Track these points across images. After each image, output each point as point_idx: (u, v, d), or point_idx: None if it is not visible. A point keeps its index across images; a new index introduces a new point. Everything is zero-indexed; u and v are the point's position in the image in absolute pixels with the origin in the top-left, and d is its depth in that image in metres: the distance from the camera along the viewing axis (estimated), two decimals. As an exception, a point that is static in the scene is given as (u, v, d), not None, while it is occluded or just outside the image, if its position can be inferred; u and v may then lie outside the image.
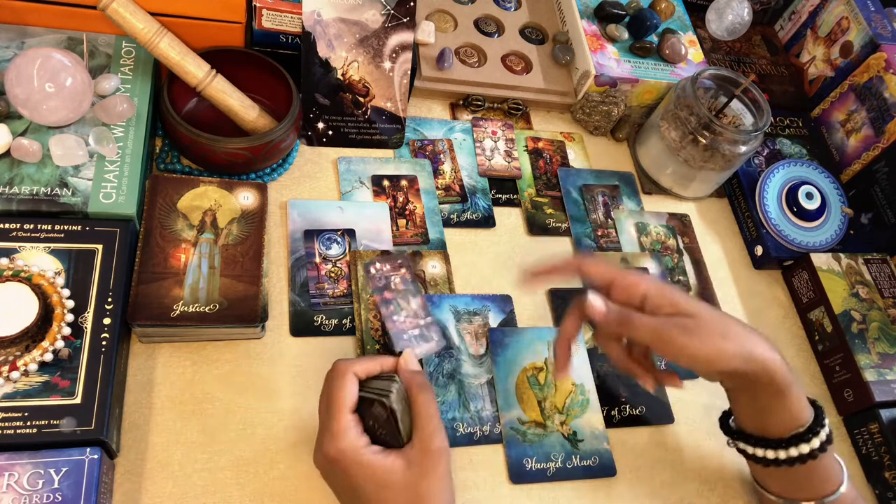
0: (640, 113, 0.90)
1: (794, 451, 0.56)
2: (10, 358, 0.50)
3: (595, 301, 0.56)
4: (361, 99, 0.75)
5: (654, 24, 0.87)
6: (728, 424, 0.63)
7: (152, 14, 0.62)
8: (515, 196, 0.80)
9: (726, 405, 0.67)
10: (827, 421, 0.57)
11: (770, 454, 0.57)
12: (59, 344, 0.52)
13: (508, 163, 0.82)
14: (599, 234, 0.80)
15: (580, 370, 0.69)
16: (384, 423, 0.51)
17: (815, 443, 0.56)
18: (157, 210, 0.61)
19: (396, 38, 0.73)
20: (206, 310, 0.58)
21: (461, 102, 0.85)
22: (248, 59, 0.70)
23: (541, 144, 0.85)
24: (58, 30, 0.65)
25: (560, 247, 0.79)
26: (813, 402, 0.58)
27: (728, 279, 0.83)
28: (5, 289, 0.52)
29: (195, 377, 0.60)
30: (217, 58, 0.67)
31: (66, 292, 0.53)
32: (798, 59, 1.02)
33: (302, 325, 0.65)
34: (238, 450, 0.58)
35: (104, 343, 0.53)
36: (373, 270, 0.58)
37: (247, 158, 0.66)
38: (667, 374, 0.60)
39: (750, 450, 0.59)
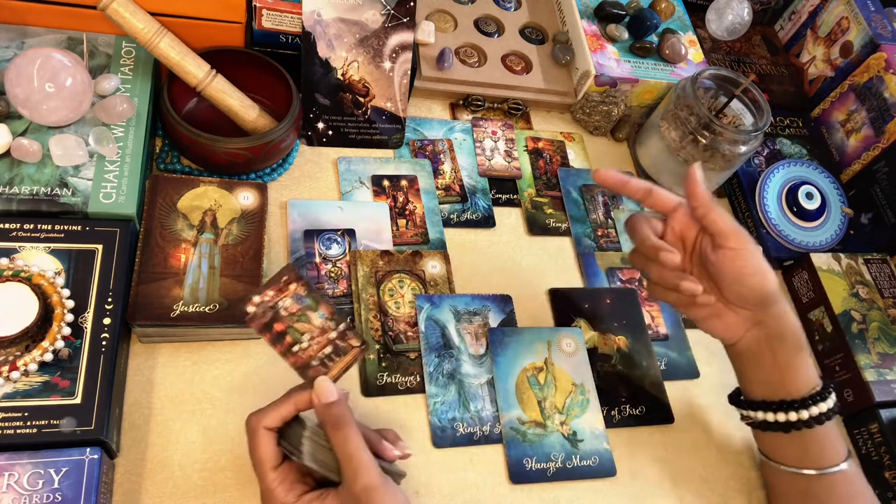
0: (640, 113, 0.90)
1: (815, 410, 0.57)
2: (10, 358, 0.50)
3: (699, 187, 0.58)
4: (361, 99, 0.75)
5: (654, 24, 0.87)
6: (740, 401, 0.63)
7: (152, 14, 0.62)
8: (515, 196, 0.80)
9: (726, 406, 0.67)
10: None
11: (793, 416, 0.58)
12: (59, 344, 0.52)
13: (508, 163, 0.82)
14: (599, 234, 0.80)
15: (580, 370, 0.69)
16: (312, 471, 0.50)
17: (831, 402, 0.58)
18: (157, 210, 0.61)
19: (396, 38, 0.73)
20: (206, 310, 0.58)
21: (461, 102, 0.85)
22: (248, 59, 0.70)
23: (541, 144, 0.85)
24: (58, 30, 0.65)
25: (560, 247, 0.79)
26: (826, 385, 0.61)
27: (728, 279, 0.83)
28: (5, 289, 0.52)
29: (195, 377, 0.60)
30: (217, 58, 0.67)
31: (66, 292, 0.53)
32: (798, 59, 1.02)
33: (302, 325, 0.65)
34: (238, 450, 0.58)
35: (104, 343, 0.53)
36: (251, 309, 0.46)
37: (247, 158, 0.66)
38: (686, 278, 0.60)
39: (771, 416, 0.59)
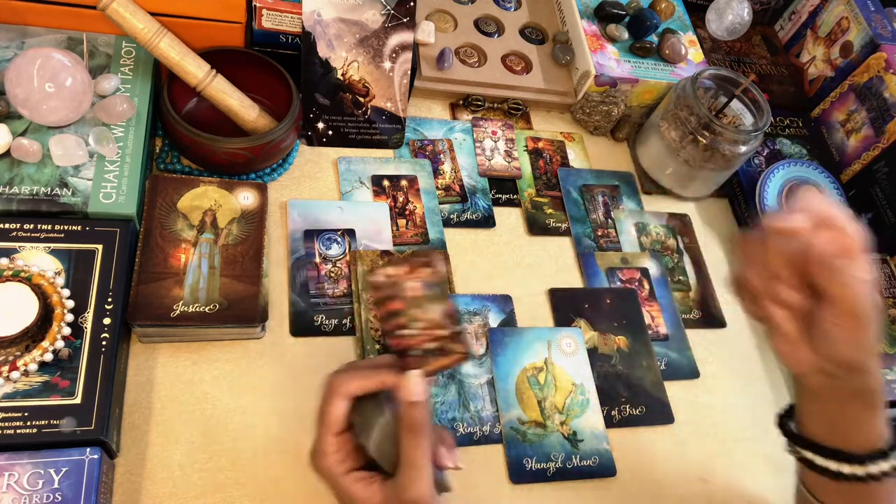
0: (640, 113, 0.90)
1: (873, 468, 0.50)
2: (10, 358, 0.50)
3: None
4: (361, 99, 0.75)
5: (654, 24, 0.87)
6: (790, 429, 0.55)
7: (152, 14, 0.62)
8: (515, 196, 0.80)
9: (726, 406, 0.66)
10: None
11: (846, 469, 0.51)
12: (59, 344, 0.52)
13: (508, 163, 0.82)
14: (599, 234, 0.80)
15: (580, 370, 0.69)
16: (370, 455, 0.49)
17: (894, 460, 0.51)
18: (157, 210, 0.61)
19: (396, 38, 0.73)
20: (206, 310, 0.58)
21: (461, 102, 0.85)
22: (248, 59, 0.70)
23: (541, 144, 0.85)
24: (58, 30, 0.65)
25: (560, 247, 0.79)
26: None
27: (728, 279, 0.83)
28: (5, 289, 0.52)
29: (195, 377, 0.60)
30: (217, 58, 0.67)
31: (66, 292, 0.53)
32: (798, 59, 1.02)
33: (302, 325, 0.65)
34: (238, 450, 0.58)
35: (104, 343, 0.53)
36: (381, 279, 0.45)
37: (247, 158, 0.66)
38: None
39: (820, 461, 0.52)
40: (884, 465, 0.50)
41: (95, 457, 0.49)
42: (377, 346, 0.65)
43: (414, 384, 0.47)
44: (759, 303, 0.49)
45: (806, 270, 0.47)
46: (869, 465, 0.50)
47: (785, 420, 0.56)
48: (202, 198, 0.63)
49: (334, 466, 0.48)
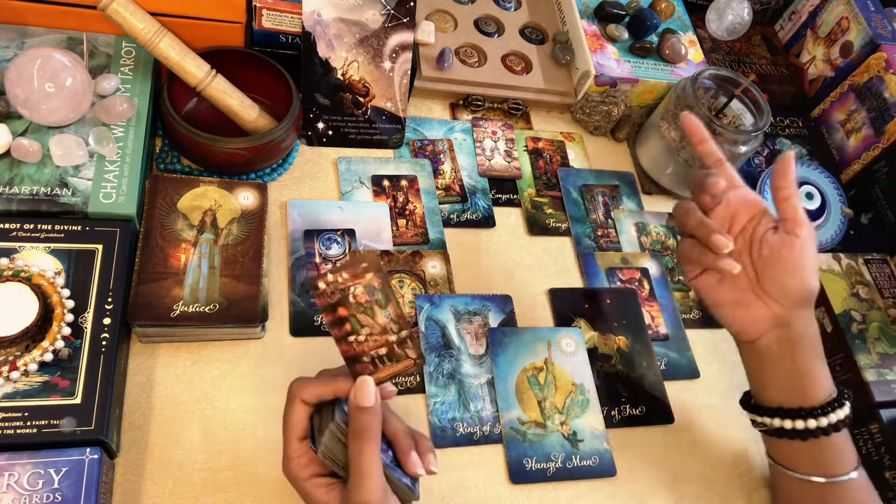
0: (640, 113, 0.90)
1: (833, 418, 0.56)
2: (10, 358, 0.50)
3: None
4: (361, 99, 0.75)
5: (654, 24, 0.87)
6: (754, 406, 0.62)
7: (152, 14, 0.62)
8: (515, 196, 0.80)
9: (726, 406, 0.66)
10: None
11: (812, 423, 0.57)
12: (59, 344, 0.52)
13: (508, 163, 0.82)
14: (599, 234, 0.80)
15: (580, 370, 0.69)
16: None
17: (847, 409, 0.57)
18: (157, 210, 0.61)
19: (396, 38, 0.73)
20: (206, 310, 0.58)
21: (461, 102, 0.85)
22: (248, 59, 0.70)
23: (541, 144, 0.85)
24: (58, 30, 0.65)
25: (560, 247, 0.79)
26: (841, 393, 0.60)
27: (728, 279, 0.83)
28: (5, 289, 0.52)
29: (195, 377, 0.60)
30: (217, 58, 0.67)
31: (66, 292, 0.53)
32: (798, 59, 1.02)
33: (302, 325, 0.65)
34: (238, 450, 0.58)
35: (104, 343, 0.53)
36: (322, 286, 0.44)
37: (247, 158, 0.66)
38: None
39: (789, 423, 0.58)
40: (840, 413, 0.57)
41: (95, 457, 0.49)
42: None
43: (362, 390, 0.46)
44: (706, 262, 0.58)
45: (739, 212, 0.59)
46: (830, 414, 0.57)
47: (746, 402, 0.63)
48: (202, 198, 0.63)
49: (298, 471, 0.48)
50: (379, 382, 0.47)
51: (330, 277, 0.44)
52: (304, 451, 0.49)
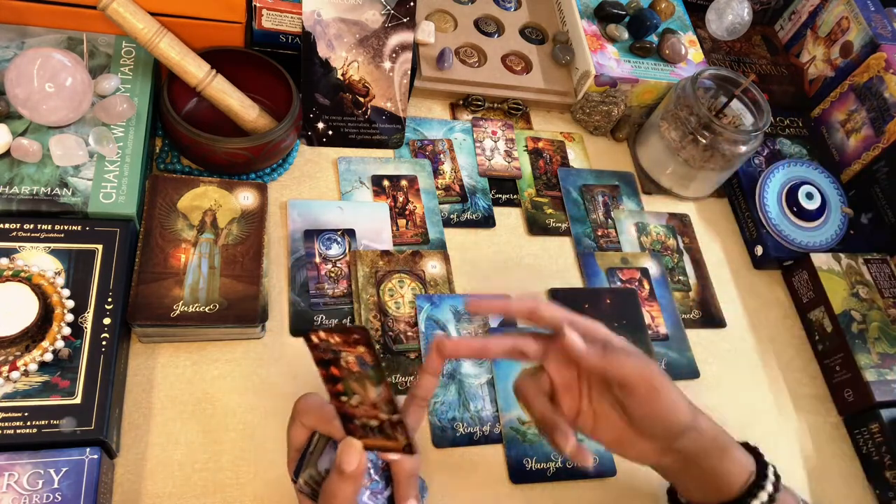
0: (640, 113, 0.90)
1: (756, 502, 0.52)
2: (10, 358, 0.50)
3: (575, 336, 0.49)
4: (361, 99, 0.75)
5: (654, 24, 0.87)
6: (678, 500, 0.59)
7: (152, 14, 0.62)
8: (515, 196, 0.80)
9: (726, 405, 0.66)
10: (766, 457, 0.55)
11: None
12: (59, 344, 0.52)
13: (508, 163, 0.82)
14: (599, 234, 0.80)
15: (580, 370, 0.69)
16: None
17: (769, 485, 0.53)
18: (157, 210, 0.61)
19: (396, 38, 0.73)
20: (206, 310, 0.58)
21: (461, 102, 0.85)
22: (248, 59, 0.70)
23: (541, 144, 0.85)
24: (58, 30, 0.65)
25: (560, 247, 0.79)
26: (745, 444, 0.56)
27: (728, 279, 0.83)
28: (5, 289, 0.52)
29: (195, 377, 0.60)
30: (217, 58, 0.67)
31: (66, 292, 0.53)
32: (798, 59, 1.02)
33: (302, 325, 0.65)
34: (238, 450, 0.58)
35: (104, 343, 0.53)
36: (315, 339, 0.41)
37: (247, 158, 0.66)
38: (581, 448, 0.51)
39: None
40: (763, 495, 0.52)
41: (95, 457, 0.49)
42: (377, 346, 0.65)
43: (347, 452, 0.43)
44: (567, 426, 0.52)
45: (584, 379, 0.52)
46: (752, 501, 0.52)
47: (672, 497, 0.60)
48: (202, 198, 0.63)
49: (295, 484, 0.48)
50: (367, 448, 0.44)
51: (322, 335, 0.41)
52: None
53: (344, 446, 0.44)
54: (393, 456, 0.46)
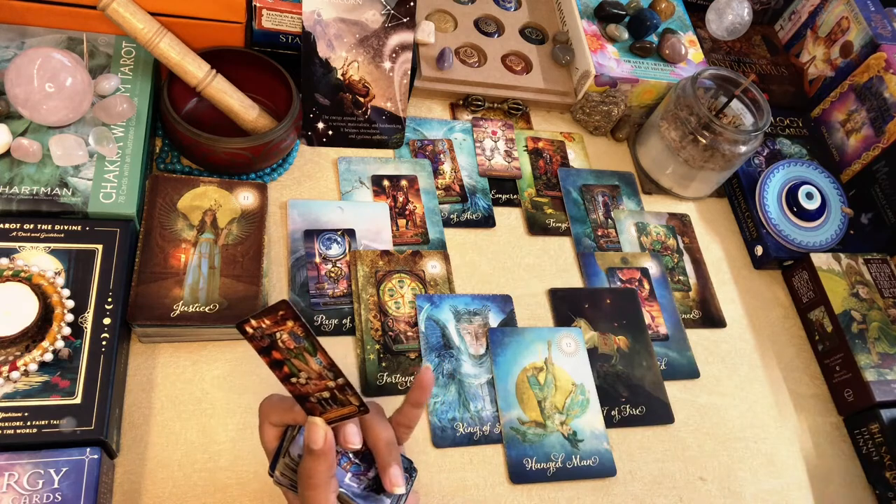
0: (640, 113, 0.90)
1: None
2: (10, 358, 0.50)
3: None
4: (361, 99, 0.75)
5: (654, 24, 0.87)
6: None
7: (152, 14, 0.62)
8: (515, 196, 0.80)
9: (726, 405, 0.66)
10: None
11: None
12: (59, 344, 0.52)
13: (508, 163, 0.82)
14: (599, 234, 0.80)
15: (580, 370, 0.69)
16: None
17: None
18: (157, 210, 0.61)
19: (396, 38, 0.73)
20: (206, 310, 0.58)
21: (461, 102, 0.85)
22: (248, 59, 0.70)
23: (541, 144, 0.85)
24: (58, 30, 0.65)
25: (560, 247, 0.79)
26: None
27: (728, 279, 0.83)
28: (5, 289, 0.52)
29: (195, 377, 0.60)
30: (217, 58, 0.67)
31: (66, 292, 0.53)
32: (798, 59, 1.02)
33: (302, 325, 0.65)
34: (238, 450, 0.58)
35: (104, 343, 0.53)
36: (249, 330, 0.42)
37: (247, 158, 0.66)
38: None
39: None
40: None
41: (95, 457, 0.49)
42: (377, 346, 0.65)
43: (311, 431, 0.44)
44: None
45: None
46: None
47: None
48: (202, 198, 0.63)
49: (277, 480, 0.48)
50: (329, 422, 0.45)
51: (254, 322, 0.42)
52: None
53: (308, 425, 0.44)
54: (352, 426, 0.46)
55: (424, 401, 0.49)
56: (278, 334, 0.43)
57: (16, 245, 0.55)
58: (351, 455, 0.48)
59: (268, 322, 0.42)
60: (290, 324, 0.42)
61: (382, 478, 0.46)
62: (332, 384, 0.44)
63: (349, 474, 0.48)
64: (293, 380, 0.44)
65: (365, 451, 0.48)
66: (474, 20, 0.89)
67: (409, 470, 0.49)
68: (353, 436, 0.45)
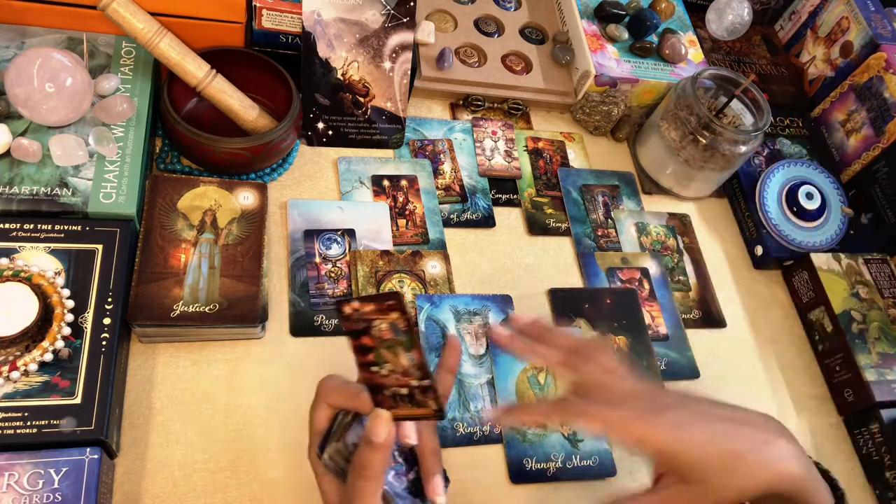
0: (640, 113, 0.90)
1: None
2: (10, 358, 0.50)
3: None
4: (361, 99, 0.75)
5: (654, 24, 0.87)
6: None
7: (152, 14, 0.62)
8: (515, 196, 0.80)
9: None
10: (842, 489, 0.50)
11: None
12: (59, 344, 0.52)
13: (508, 163, 0.82)
14: (599, 234, 0.80)
15: (580, 370, 0.69)
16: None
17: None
18: (157, 210, 0.61)
19: (396, 38, 0.73)
20: (206, 310, 0.58)
21: (461, 102, 0.85)
22: (248, 59, 0.70)
23: (541, 144, 0.85)
24: (58, 30, 0.65)
25: (560, 247, 0.79)
26: (829, 482, 0.50)
27: (728, 279, 0.83)
28: (5, 289, 0.52)
29: (195, 377, 0.60)
30: (217, 58, 0.67)
31: (66, 292, 0.53)
32: (798, 59, 1.02)
33: (302, 325, 0.65)
34: (238, 450, 0.58)
35: (104, 343, 0.53)
36: (348, 310, 0.42)
37: (247, 158, 0.66)
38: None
39: None
40: None
41: (95, 457, 0.49)
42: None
43: (377, 423, 0.43)
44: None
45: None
46: None
47: None
48: (202, 198, 0.63)
49: (314, 465, 0.48)
50: (396, 419, 0.45)
51: (356, 304, 0.42)
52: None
53: (373, 417, 0.43)
54: (410, 423, 0.46)
55: (457, 364, 0.51)
56: (377, 322, 0.42)
57: (16, 245, 0.55)
58: (396, 454, 0.48)
59: (371, 307, 0.41)
60: (394, 315, 0.41)
61: (426, 484, 0.47)
62: (414, 383, 0.43)
63: (392, 472, 0.48)
64: (374, 368, 0.43)
65: (408, 452, 0.48)
66: (474, 20, 0.89)
67: (445, 479, 0.49)
68: (410, 431, 0.45)
